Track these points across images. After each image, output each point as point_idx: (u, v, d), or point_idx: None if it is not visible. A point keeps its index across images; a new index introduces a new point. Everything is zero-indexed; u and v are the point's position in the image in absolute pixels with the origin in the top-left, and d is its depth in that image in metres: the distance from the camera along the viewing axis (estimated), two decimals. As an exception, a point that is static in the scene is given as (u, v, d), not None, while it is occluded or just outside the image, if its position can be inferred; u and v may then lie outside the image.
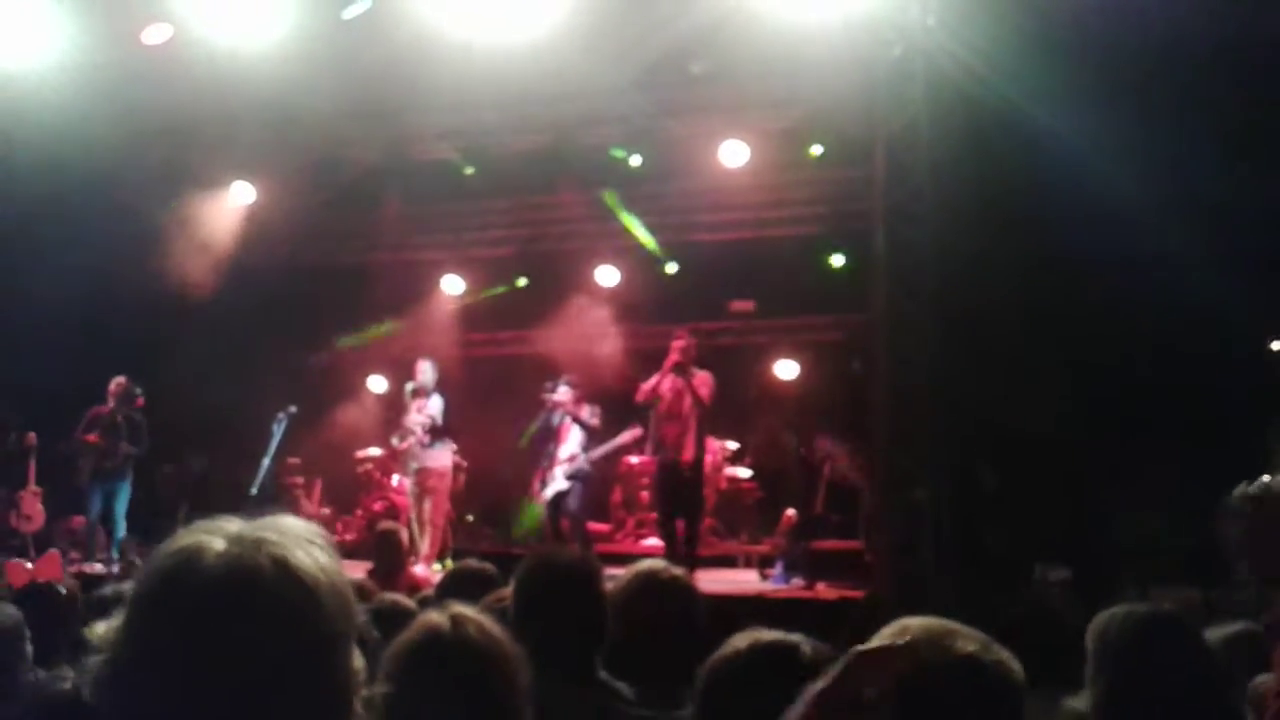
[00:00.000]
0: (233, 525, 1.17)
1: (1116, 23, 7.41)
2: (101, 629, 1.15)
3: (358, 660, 1.19)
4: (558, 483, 9.24)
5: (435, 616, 2.16)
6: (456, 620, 2.14)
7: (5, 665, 3.28)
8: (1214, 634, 2.80)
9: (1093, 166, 7.62)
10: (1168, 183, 7.66)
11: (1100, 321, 8.60)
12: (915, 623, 1.82)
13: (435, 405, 9.76)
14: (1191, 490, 7.82)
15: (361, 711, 1.18)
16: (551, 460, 9.35)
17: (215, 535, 1.15)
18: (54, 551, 9.28)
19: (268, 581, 1.11)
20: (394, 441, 10.13)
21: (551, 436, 9.42)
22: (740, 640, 2.17)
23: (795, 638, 2.19)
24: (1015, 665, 1.75)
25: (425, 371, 9.90)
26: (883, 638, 1.81)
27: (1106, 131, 7.48)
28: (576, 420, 9.35)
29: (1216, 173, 7.69)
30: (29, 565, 8.65)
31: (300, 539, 1.17)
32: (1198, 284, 7.69)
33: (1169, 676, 2.35)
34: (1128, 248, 7.97)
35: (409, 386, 9.96)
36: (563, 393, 9.44)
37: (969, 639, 1.75)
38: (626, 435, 9.47)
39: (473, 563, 4.23)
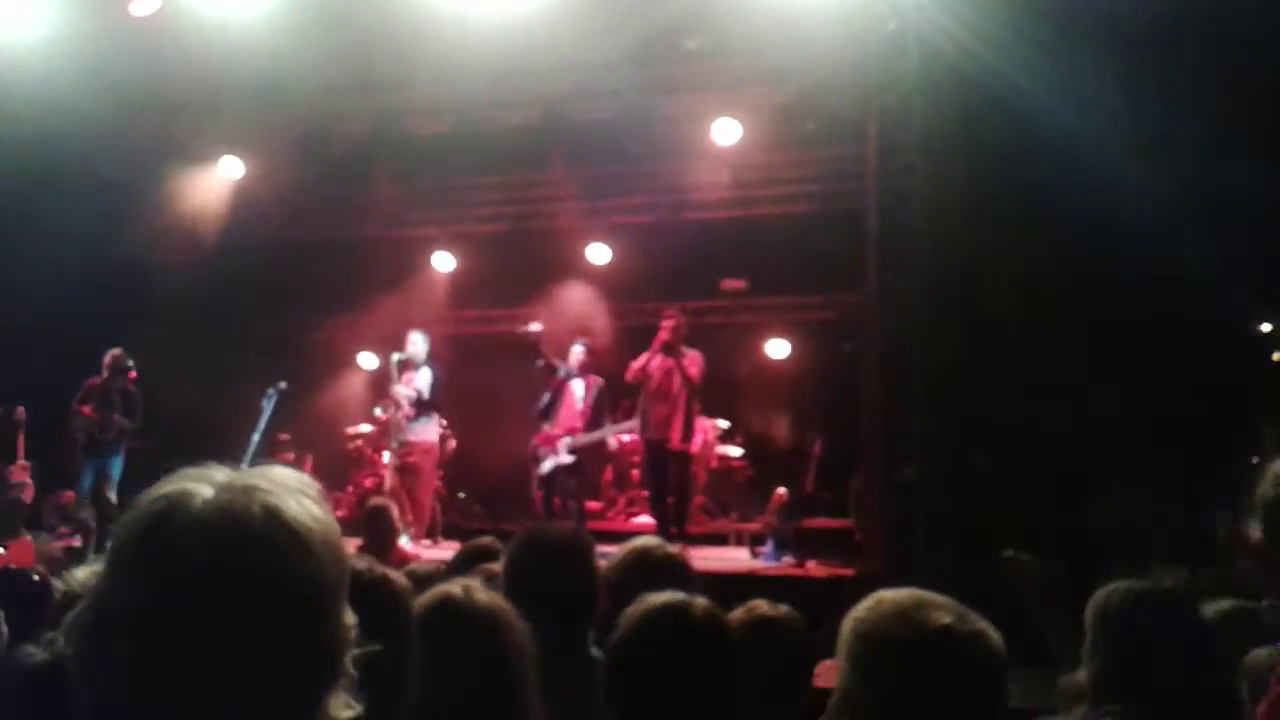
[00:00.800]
0: (220, 473, 1.12)
1: None
2: (82, 574, 1.10)
3: (349, 616, 1.14)
4: (561, 456, 9.17)
5: (447, 585, 2.31)
6: (468, 588, 2.29)
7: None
8: (1208, 609, 2.81)
9: (1086, 143, 7.60)
10: (1161, 158, 7.65)
11: (1094, 298, 8.60)
12: (890, 595, 1.80)
13: (424, 379, 9.58)
14: (1182, 471, 7.85)
15: (351, 668, 1.14)
16: (556, 428, 9.27)
17: (202, 482, 1.11)
18: (26, 537, 9.20)
19: (258, 529, 1.07)
20: (376, 411, 10.02)
21: (558, 403, 9.34)
22: (636, 606, 2.24)
23: (684, 597, 2.25)
24: (994, 635, 1.73)
25: (416, 343, 9.69)
26: (861, 609, 1.80)
27: (1100, 107, 7.47)
28: (587, 387, 9.27)
29: (1210, 148, 7.69)
30: (1, 550, 8.58)
31: (292, 488, 1.13)
32: (1191, 260, 7.70)
33: (1166, 651, 2.35)
34: (1122, 224, 7.96)
35: (395, 357, 9.73)
36: (578, 353, 9.38)
37: (945, 610, 1.73)
38: (627, 425, 9.48)
39: (485, 540, 4.25)
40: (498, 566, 3.20)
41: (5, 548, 8.70)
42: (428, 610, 2.25)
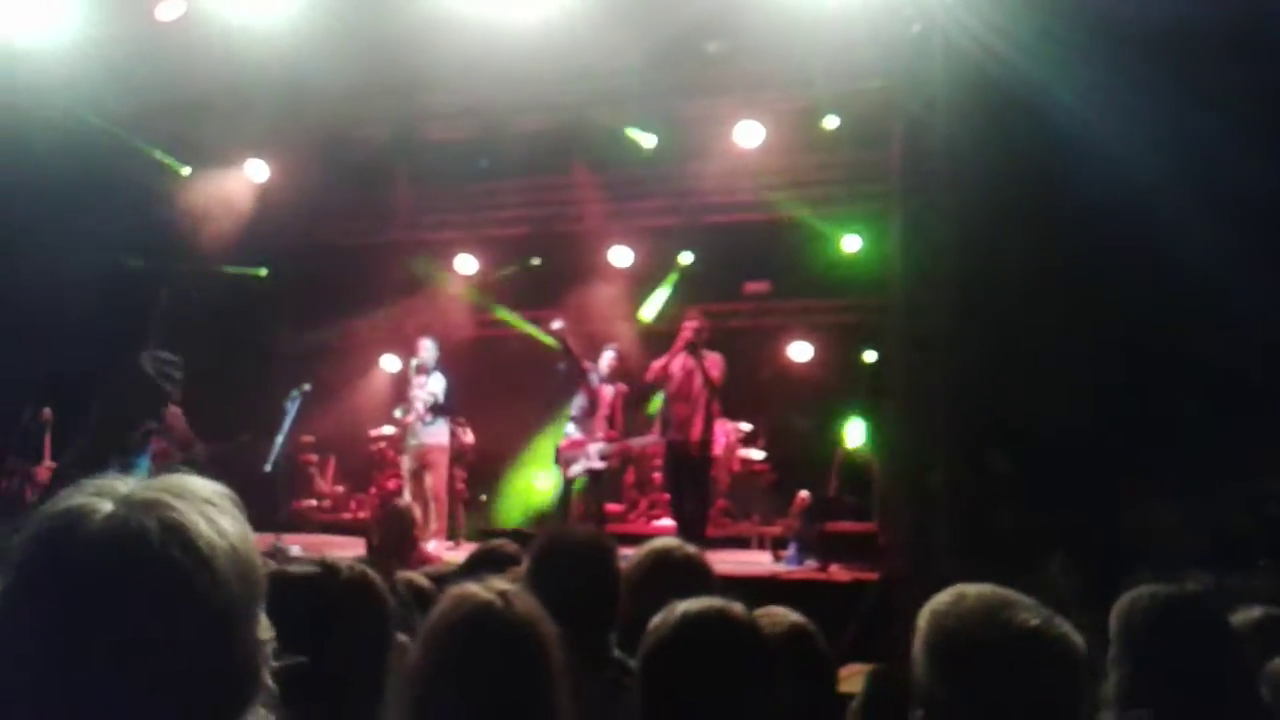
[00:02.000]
0: (125, 485, 1.08)
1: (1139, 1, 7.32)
2: None
3: (263, 630, 1.10)
4: (591, 460, 9.19)
5: (483, 593, 2.13)
6: (506, 596, 2.13)
7: None
8: (1237, 617, 2.77)
9: (1114, 147, 7.52)
10: (1192, 164, 7.57)
11: (1119, 305, 8.52)
12: (972, 591, 1.79)
13: (437, 383, 9.83)
14: (1209, 477, 7.77)
15: (271, 683, 1.10)
16: (587, 434, 9.31)
17: (104, 497, 1.06)
18: None
19: (154, 546, 1.01)
20: (397, 414, 10.21)
21: (590, 409, 9.39)
22: (670, 611, 2.16)
23: (720, 602, 2.18)
24: (1078, 638, 1.72)
25: (426, 349, 9.96)
26: (941, 604, 1.79)
27: (1129, 111, 7.39)
28: (616, 393, 9.32)
29: (1243, 154, 7.60)
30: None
31: (199, 500, 1.07)
32: (1221, 269, 7.61)
33: (1192, 658, 2.32)
34: (1149, 230, 7.88)
35: (414, 362, 10.03)
36: (608, 359, 9.41)
37: (1031, 610, 1.72)
38: (654, 438, 9.51)
39: (499, 542, 4.24)
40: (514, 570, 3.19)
41: None
42: (462, 623, 2.10)
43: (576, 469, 9.23)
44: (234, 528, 1.09)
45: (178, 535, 1.03)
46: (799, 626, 2.64)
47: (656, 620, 2.17)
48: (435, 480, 9.79)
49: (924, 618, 1.80)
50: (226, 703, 1.06)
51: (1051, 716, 1.70)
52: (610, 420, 9.30)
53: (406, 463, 9.99)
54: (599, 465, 9.15)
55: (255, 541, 1.12)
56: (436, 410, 9.76)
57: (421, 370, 9.89)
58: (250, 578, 1.08)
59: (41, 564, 1.02)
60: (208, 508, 1.07)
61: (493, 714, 2.04)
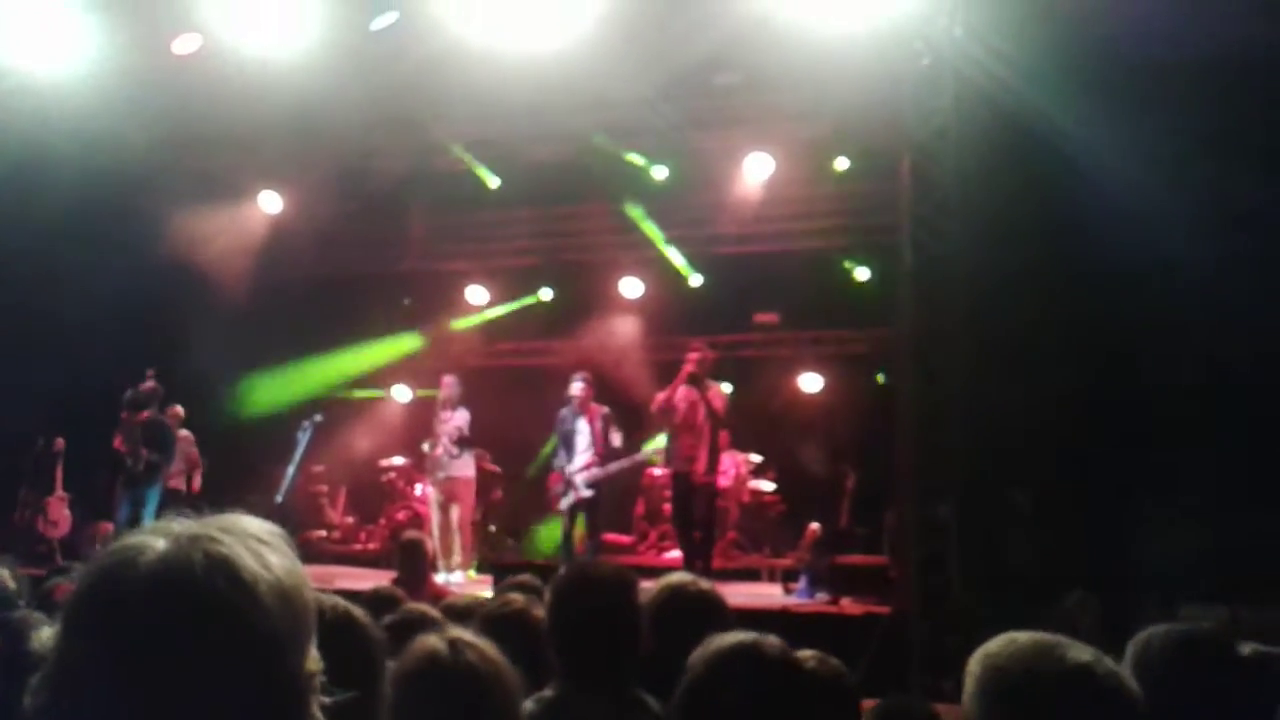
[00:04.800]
0: (178, 525, 1.10)
1: (1146, 32, 7.35)
2: (47, 634, 1.08)
3: (313, 663, 1.11)
4: (580, 490, 9.15)
5: (434, 640, 2.17)
6: (455, 645, 2.16)
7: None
8: (1247, 652, 2.74)
9: (1123, 177, 7.54)
10: (1200, 190, 7.58)
11: (1131, 333, 8.51)
12: (1023, 634, 1.82)
13: (462, 416, 9.91)
14: (1223, 507, 7.73)
15: (320, 717, 1.11)
16: (571, 465, 9.28)
17: (159, 535, 1.08)
18: None
19: (199, 579, 1.04)
20: (424, 447, 10.21)
21: (570, 440, 9.33)
22: (706, 647, 2.17)
23: (754, 637, 2.18)
24: (1127, 677, 1.76)
25: (451, 386, 10.06)
26: (993, 647, 1.82)
27: (1137, 141, 7.41)
28: (590, 420, 9.25)
29: (1251, 178, 7.61)
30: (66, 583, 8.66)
31: (248, 536, 1.10)
32: (1233, 294, 7.61)
33: (1208, 697, 2.30)
34: (1160, 257, 7.88)
35: (440, 397, 10.11)
36: (577, 389, 9.37)
37: (1082, 649, 1.76)
38: (642, 457, 9.46)
39: (523, 577, 4.26)
40: (509, 597, 3.20)
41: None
42: (411, 672, 2.13)
43: (566, 502, 9.21)
44: (281, 562, 1.11)
45: (222, 567, 1.05)
46: (829, 665, 2.63)
47: (695, 656, 2.16)
48: (462, 512, 9.91)
49: (976, 661, 1.83)
50: None
51: None
52: (597, 447, 9.21)
53: (434, 496, 10.08)
54: (587, 494, 9.11)
55: (307, 577, 1.14)
56: (462, 443, 9.87)
57: (447, 404, 9.98)
58: (297, 610, 1.10)
59: (96, 599, 1.05)
60: (255, 543, 1.10)
61: None
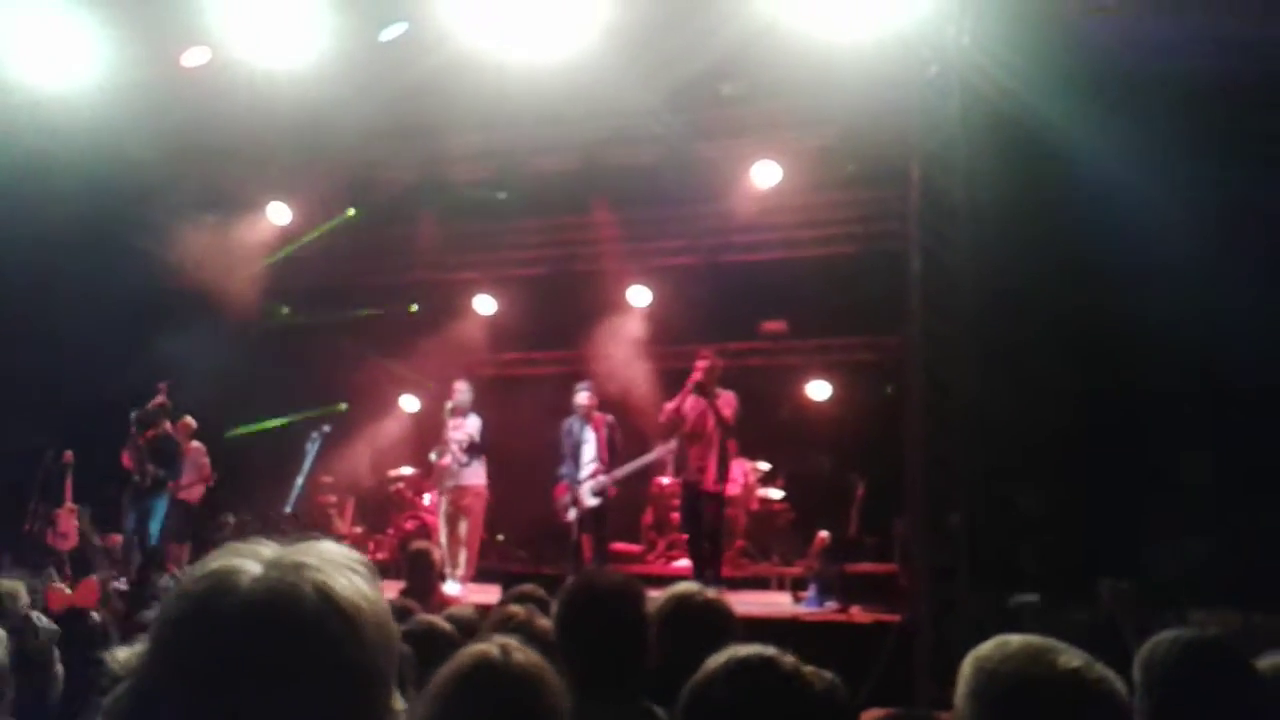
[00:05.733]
0: (268, 549, 1.08)
1: (1154, 42, 7.34)
2: (124, 654, 1.07)
3: (398, 701, 1.10)
4: (586, 500, 9.14)
5: (484, 645, 2.22)
6: (505, 649, 2.20)
7: (39, 679, 3.28)
8: (1264, 663, 2.73)
9: (1131, 186, 7.53)
10: (1208, 199, 7.56)
11: (1139, 341, 8.49)
12: (1015, 638, 1.84)
13: (473, 424, 9.81)
14: (1235, 513, 7.70)
15: None
16: (576, 475, 9.26)
17: (249, 559, 1.06)
18: (93, 579, 9.30)
19: (309, 609, 1.02)
20: (432, 456, 10.13)
21: (577, 450, 9.32)
22: (718, 658, 2.14)
23: (769, 651, 2.15)
24: (1119, 683, 1.77)
25: (462, 392, 9.93)
26: (985, 651, 1.82)
27: (1145, 150, 7.40)
28: (596, 429, 9.25)
29: (1254, 186, 7.59)
30: (68, 590, 8.68)
31: (341, 565, 1.08)
32: (1240, 301, 7.58)
33: (1216, 704, 2.29)
34: (1167, 266, 7.87)
35: (448, 405, 9.97)
36: (583, 398, 9.36)
37: (1073, 654, 1.78)
38: (661, 449, 9.41)
39: (528, 587, 4.27)
40: (510, 609, 3.20)
41: (72, 588, 8.80)
42: (462, 674, 2.16)
43: (573, 512, 9.19)
44: (374, 593, 1.09)
45: (329, 597, 1.04)
46: (824, 679, 2.62)
47: (705, 667, 2.15)
48: (472, 521, 9.73)
49: (968, 664, 1.84)
50: None
51: None
52: (603, 455, 9.21)
53: (443, 505, 9.91)
54: (594, 503, 9.10)
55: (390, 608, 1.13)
56: (473, 451, 9.72)
57: (457, 412, 9.86)
58: (389, 644, 1.09)
59: (190, 624, 1.03)
60: (349, 573, 1.08)
61: None
